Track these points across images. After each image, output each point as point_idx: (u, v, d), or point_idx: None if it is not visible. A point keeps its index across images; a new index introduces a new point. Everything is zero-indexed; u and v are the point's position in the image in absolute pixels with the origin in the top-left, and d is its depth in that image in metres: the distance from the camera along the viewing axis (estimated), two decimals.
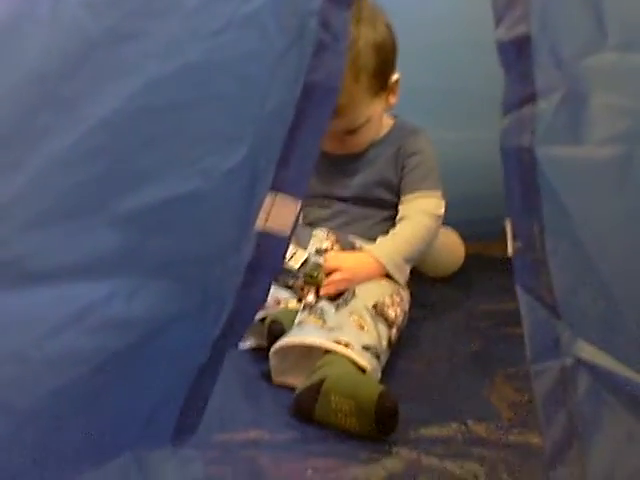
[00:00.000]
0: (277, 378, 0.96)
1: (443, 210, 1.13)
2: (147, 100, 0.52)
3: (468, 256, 1.33)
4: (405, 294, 1.10)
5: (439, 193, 1.14)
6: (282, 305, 1.04)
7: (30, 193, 0.52)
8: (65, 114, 0.52)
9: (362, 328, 0.96)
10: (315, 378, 0.87)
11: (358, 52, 1.03)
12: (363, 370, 0.90)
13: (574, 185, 0.51)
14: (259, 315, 1.02)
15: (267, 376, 0.96)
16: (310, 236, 1.13)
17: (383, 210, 1.16)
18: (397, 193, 1.15)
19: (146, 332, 0.56)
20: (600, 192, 0.50)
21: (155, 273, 0.55)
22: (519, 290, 0.56)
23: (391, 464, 0.79)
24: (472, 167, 1.22)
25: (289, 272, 1.05)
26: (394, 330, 1.02)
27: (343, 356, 0.90)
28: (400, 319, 1.04)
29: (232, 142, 0.54)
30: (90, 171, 0.53)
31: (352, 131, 1.10)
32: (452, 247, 1.32)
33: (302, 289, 1.05)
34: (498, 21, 0.52)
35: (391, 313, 1.02)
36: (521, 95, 0.52)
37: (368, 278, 1.06)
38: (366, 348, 0.93)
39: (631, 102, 0.49)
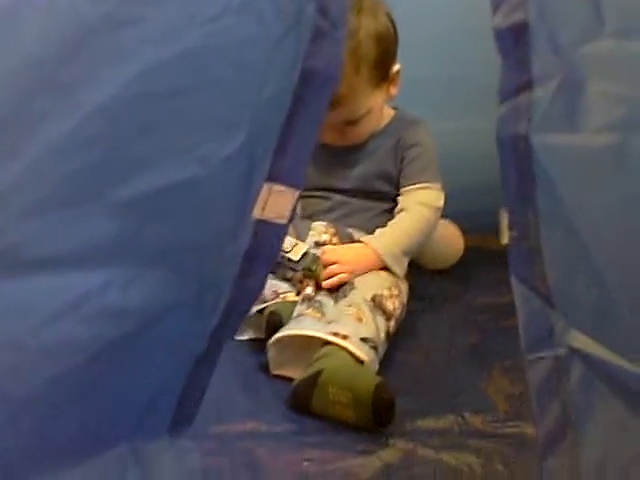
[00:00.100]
0: (275, 370, 0.96)
1: (442, 202, 1.13)
2: (144, 86, 0.52)
3: (467, 249, 1.33)
4: (404, 286, 1.10)
5: (438, 185, 1.13)
6: (281, 297, 1.04)
7: (27, 181, 0.52)
8: (62, 100, 0.51)
9: (360, 320, 0.96)
10: (313, 370, 0.88)
11: (359, 42, 1.03)
12: (361, 362, 0.90)
13: (569, 173, 0.51)
14: (258, 307, 1.02)
15: (265, 368, 0.96)
16: (309, 229, 1.13)
17: (383, 202, 1.16)
18: (397, 185, 1.15)
19: (142, 321, 0.55)
20: (595, 180, 0.50)
21: (152, 262, 0.55)
22: (514, 280, 0.55)
23: (387, 455, 0.80)
24: (472, 158, 1.22)
25: (288, 264, 1.05)
26: (392, 322, 1.02)
27: (341, 348, 0.90)
28: (398, 311, 1.04)
29: (229, 129, 0.54)
30: (87, 159, 0.52)
31: (352, 122, 1.10)
32: (451, 240, 1.32)
33: (301, 282, 1.05)
34: (495, 8, 0.52)
35: (389, 305, 1.02)
36: (518, 83, 0.52)
37: (367, 270, 1.06)
38: (364, 340, 0.93)
39: (627, 90, 0.49)
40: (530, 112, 0.51)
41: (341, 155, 1.16)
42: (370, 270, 1.06)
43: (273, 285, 1.05)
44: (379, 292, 1.02)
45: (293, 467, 0.78)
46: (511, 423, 0.85)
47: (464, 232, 1.33)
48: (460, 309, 1.19)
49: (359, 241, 1.10)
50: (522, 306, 0.55)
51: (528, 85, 0.51)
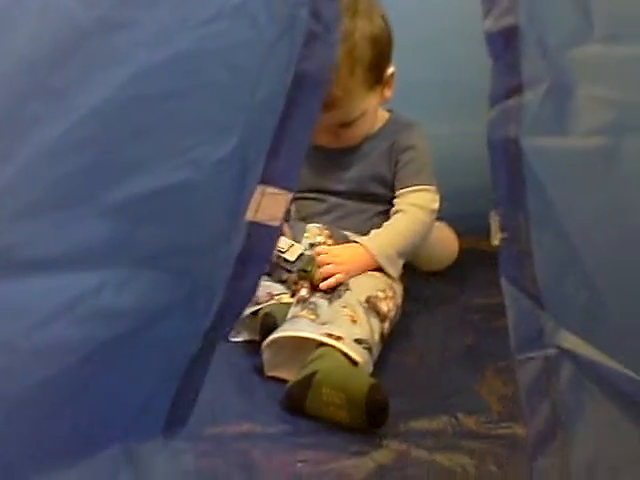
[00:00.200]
0: (269, 371, 0.96)
1: (437, 204, 1.13)
2: (137, 89, 0.52)
3: (462, 251, 1.33)
4: (398, 288, 1.11)
5: (433, 187, 1.14)
6: (275, 299, 1.04)
7: (20, 183, 0.52)
8: (55, 103, 0.52)
9: (354, 322, 0.96)
10: (307, 371, 0.88)
11: (354, 44, 1.03)
12: (355, 363, 0.90)
13: (559, 176, 0.51)
14: (252, 309, 1.02)
15: (259, 369, 0.96)
16: (304, 231, 1.13)
17: (378, 204, 1.16)
18: (391, 188, 1.15)
19: (136, 322, 0.56)
20: (585, 183, 0.51)
21: (145, 264, 0.55)
22: (504, 281, 0.56)
23: (381, 456, 0.80)
24: (466, 161, 1.22)
25: (284, 265, 1.05)
26: (386, 324, 1.02)
27: (335, 349, 0.90)
28: (392, 313, 1.04)
29: (222, 132, 0.54)
30: (80, 161, 0.53)
31: (347, 124, 1.10)
32: (446, 241, 1.32)
33: (295, 283, 1.05)
34: (486, 12, 0.53)
35: (384, 307, 1.02)
36: (508, 86, 0.52)
37: (361, 270, 1.06)
38: (358, 341, 0.93)
39: (616, 94, 0.49)
40: (520, 115, 0.52)
41: (336, 157, 1.16)
42: (365, 271, 1.06)
43: (267, 287, 1.05)
44: (373, 294, 1.02)
45: (287, 468, 0.78)
46: (504, 424, 0.85)
47: (458, 234, 1.34)
48: (455, 311, 1.19)
49: (354, 242, 1.10)
50: (512, 307, 0.56)
51: (518, 89, 0.52)
